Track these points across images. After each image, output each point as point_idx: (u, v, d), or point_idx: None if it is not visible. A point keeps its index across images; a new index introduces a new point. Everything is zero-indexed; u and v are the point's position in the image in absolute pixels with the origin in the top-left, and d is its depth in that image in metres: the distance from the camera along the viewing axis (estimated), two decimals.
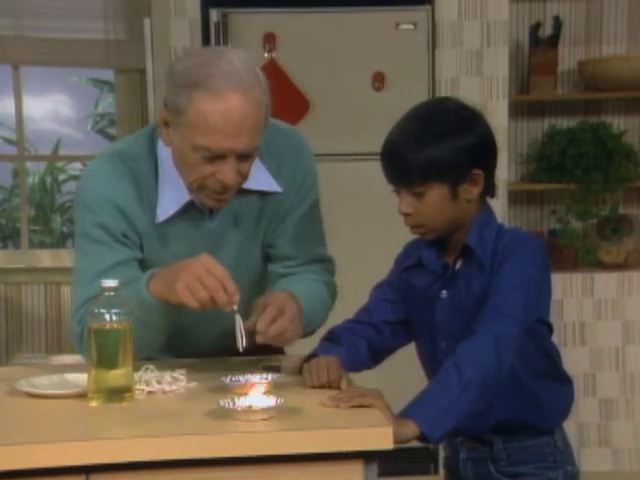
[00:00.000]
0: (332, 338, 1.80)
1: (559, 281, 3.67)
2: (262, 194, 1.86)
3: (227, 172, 1.71)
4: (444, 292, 1.74)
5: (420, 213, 1.69)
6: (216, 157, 1.70)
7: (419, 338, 1.82)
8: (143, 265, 1.83)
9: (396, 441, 1.44)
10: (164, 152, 1.80)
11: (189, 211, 1.82)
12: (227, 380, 1.62)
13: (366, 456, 1.43)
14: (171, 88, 1.72)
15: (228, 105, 1.67)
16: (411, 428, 1.50)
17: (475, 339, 1.60)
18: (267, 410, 1.46)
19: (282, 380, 1.64)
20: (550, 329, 1.76)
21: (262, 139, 1.75)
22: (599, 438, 3.70)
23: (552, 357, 1.78)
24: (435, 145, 1.66)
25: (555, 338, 3.83)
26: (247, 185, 1.81)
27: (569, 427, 3.68)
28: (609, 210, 3.82)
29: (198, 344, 1.93)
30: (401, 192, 1.70)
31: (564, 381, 1.80)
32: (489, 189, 1.74)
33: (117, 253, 1.79)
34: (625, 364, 3.68)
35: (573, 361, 3.66)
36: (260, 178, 1.84)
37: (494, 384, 1.60)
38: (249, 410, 1.46)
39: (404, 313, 1.82)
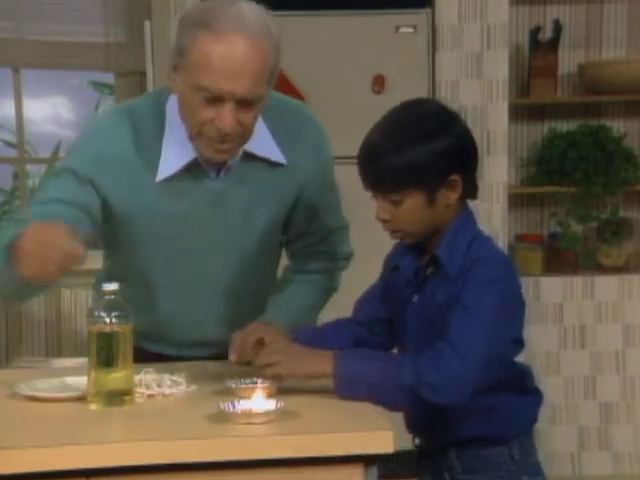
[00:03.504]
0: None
1: (559, 284, 3.67)
2: (270, 164, 1.85)
3: (225, 117, 1.69)
4: (415, 296, 1.73)
5: (397, 219, 1.68)
6: (215, 100, 1.69)
7: (396, 339, 1.83)
8: (135, 219, 1.80)
9: (304, 374, 1.58)
10: (173, 111, 1.79)
11: (193, 170, 1.80)
12: (231, 384, 1.62)
13: (366, 460, 1.42)
14: (179, 29, 1.73)
15: (230, 46, 1.67)
16: (326, 367, 1.58)
17: (438, 360, 1.57)
18: (267, 414, 1.46)
19: (284, 384, 1.63)
20: (521, 345, 1.72)
21: (267, 94, 1.75)
22: (599, 441, 3.70)
23: (514, 371, 1.74)
24: (410, 152, 1.63)
25: (555, 341, 3.84)
26: (253, 149, 1.81)
27: (570, 430, 3.72)
28: (609, 213, 3.82)
29: (178, 333, 1.94)
30: (378, 198, 1.69)
31: (528, 394, 1.77)
32: (470, 192, 1.71)
33: (75, 194, 1.76)
34: (625, 367, 3.68)
35: (573, 364, 3.68)
36: (267, 146, 1.83)
37: (419, 404, 1.59)
38: (249, 414, 1.46)
39: (387, 312, 1.83)
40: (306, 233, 1.98)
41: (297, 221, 1.96)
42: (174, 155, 1.79)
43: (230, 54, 1.67)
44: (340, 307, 1.94)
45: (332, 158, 1.98)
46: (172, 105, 1.80)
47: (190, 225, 1.84)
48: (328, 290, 2.04)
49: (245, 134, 1.75)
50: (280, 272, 2.06)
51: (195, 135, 1.74)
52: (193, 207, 1.82)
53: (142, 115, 1.81)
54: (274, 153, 1.85)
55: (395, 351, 1.84)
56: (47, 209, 1.73)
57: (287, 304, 1.96)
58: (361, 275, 1.96)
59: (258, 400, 1.48)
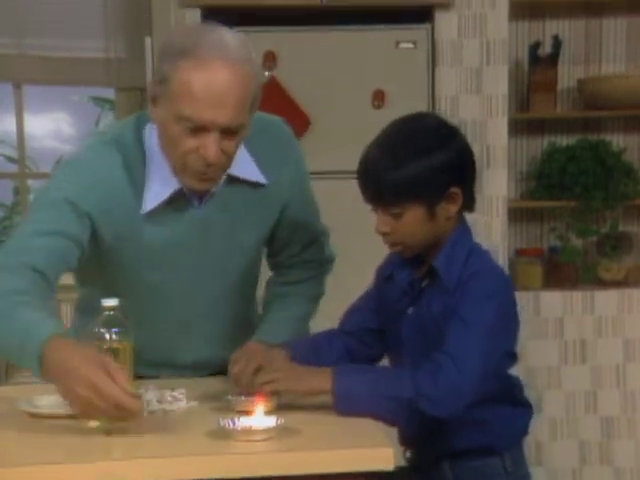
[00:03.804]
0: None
1: (559, 299, 3.67)
2: (252, 185, 1.84)
3: (209, 147, 1.67)
4: (411, 308, 1.74)
5: (398, 232, 1.69)
6: (198, 129, 1.66)
7: (389, 350, 1.83)
8: (122, 250, 1.77)
9: (303, 391, 1.58)
10: (152, 142, 1.77)
11: (177, 200, 1.78)
12: (230, 398, 1.62)
13: (366, 476, 1.42)
14: (159, 59, 1.69)
15: (212, 74, 1.63)
16: (325, 384, 1.58)
17: (436, 372, 1.58)
18: (267, 431, 1.45)
19: (283, 400, 1.63)
20: (515, 359, 1.74)
21: (250, 120, 1.72)
22: (600, 456, 3.68)
23: (507, 384, 1.76)
24: (410, 166, 1.64)
25: (556, 355, 3.83)
26: (235, 172, 1.79)
27: (571, 445, 3.70)
28: (609, 227, 3.82)
29: (180, 354, 1.92)
30: (378, 211, 1.70)
31: (519, 406, 1.78)
32: (468, 204, 1.72)
33: (70, 225, 1.71)
34: (626, 382, 3.67)
35: (574, 379, 3.67)
36: (247, 167, 1.82)
37: (417, 417, 1.59)
38: (249, 430, 1.46)
39: (379, 322, 1.83)
40: (289, 245, 1.99)
41: (280, 236, 1.97)
42: (158, 187, 1.77)
43: (212, 82, 1.64)
44: (329, 315, 1.94)
45: (308, 174, 1.98)
46: (150, 134, 1.77)
47: (176, 252, 1.82)
48: (316, 297, 2.05)
49: (228, 162, 1.74)
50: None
51: (179, 168, 1.72)
52: (178, 235, 1.81)
53: (127, 145, 1.78)
54: (255, 174, 1.84)
55: (387, 362, 1.85)
56: (50, 243, 1.69)
57: (279, 320, 1.96)
58: (353, 284, 1.96)
59: (258, 417, 1.48)
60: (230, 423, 1.47)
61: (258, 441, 1.44)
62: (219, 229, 1.84)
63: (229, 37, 1.69)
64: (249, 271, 1.95)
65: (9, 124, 4.16)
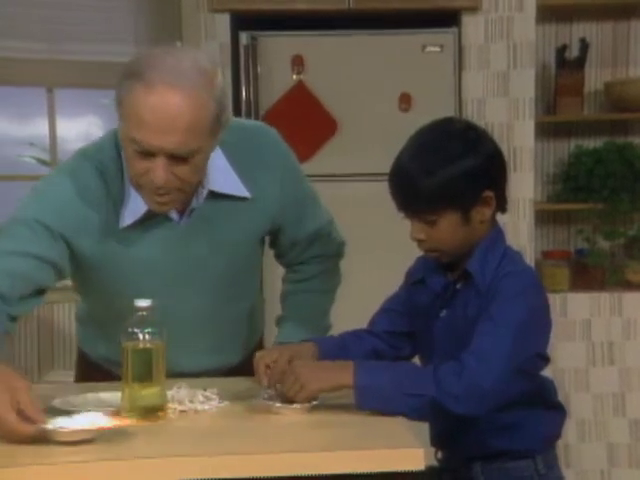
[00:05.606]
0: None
1: (587, 301, 3.66)
2: (236, 199, 1.82)
3: (156, 171, 1.65)
4: (444, 311, 1.74)
5: (433, 239, 1.69)
6: (147, 153, 1.64)
7: (420, 352, 1.84)
8: (103, 266, 1.76)
9: (328, 389, 1.59)
10: None
11: (155, 215, 1.77)
12: (265, 397, 1.64)
13: (396, 477, 1.41)
14: (119, 78, 1.67)
15: (160, 99, 1.60)
16: (347, 378, 1.58)
17: (460, 371, 1.57)
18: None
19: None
20: (546, 361, 1.73)
21: (211, 145, 1.70)
22: (629, 459, 3.67)
23: (540, 386, 1.75)
24: (442, 173, 1.63)
25: (584, 357, 3.81)
26: (216, 187, 1.78)
27: (600, 447, 3.68)
28: (636, 230, 3.81)
29: (177, 361, 1.82)
30: (413, 219, 1.70)
31: (552, 408, 1.78)
32: (500, 206, 1.72)
33: (40, 246, 1.69)
34: None
35: (602, 381, 3.66)
36: (229, 181, 1.79)
37: (442, 415, 1.59)
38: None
39: (408, 325, 1.84)
40: (294, 245, 1.99)
41: (283, 240, 1.97)
42: (136, 202, 1.75)
43: (160, 108, 1.60)
44: (361, 316, 1.95)
45: (300, 170, 1.95)
46: None
47: (157, 266, 1.81)
48: (332, 289, 2.06)
49: (185, 186, 1.71)
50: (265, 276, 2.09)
51: (135, 186, 1.72)
52: (158, 249, 1.80)
53: (105, 160, 1.76)
54: (237, 188, 1.81)
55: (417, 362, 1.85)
56: (13, 264, 1.68)
57: (299, 319, 1.98)
58: (384, 287, 1.97)
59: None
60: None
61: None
62: (200, 242, 1.82)
63: (187, 60, 1.64)
64: (236, 281, 1.93)
65: (41, 127, 4.21)
